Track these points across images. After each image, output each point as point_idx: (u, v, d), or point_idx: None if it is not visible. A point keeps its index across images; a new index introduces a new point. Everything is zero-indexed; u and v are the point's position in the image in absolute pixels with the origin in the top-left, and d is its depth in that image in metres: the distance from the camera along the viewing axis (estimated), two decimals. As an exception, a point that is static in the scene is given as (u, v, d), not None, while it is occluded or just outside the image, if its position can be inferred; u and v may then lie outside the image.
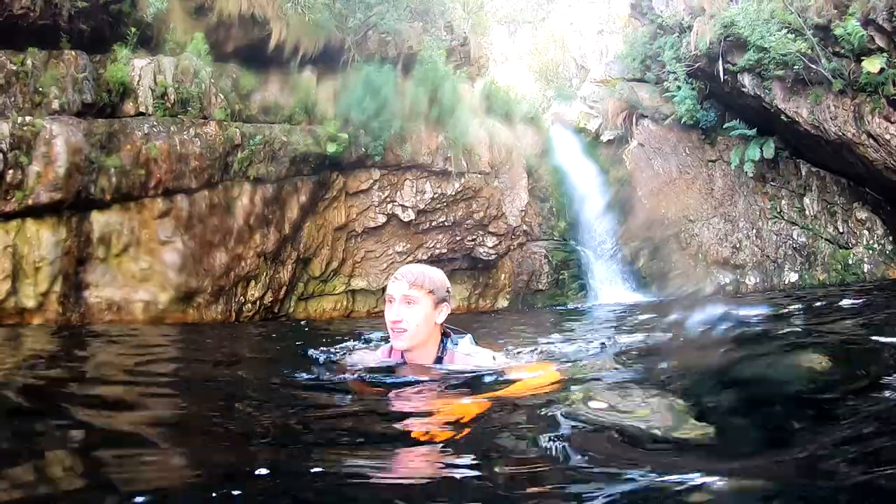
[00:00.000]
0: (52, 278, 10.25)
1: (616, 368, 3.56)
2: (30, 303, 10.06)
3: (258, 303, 12.76)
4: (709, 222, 16.75)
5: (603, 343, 4.51)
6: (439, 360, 3.38)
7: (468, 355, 3.41)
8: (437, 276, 3.41)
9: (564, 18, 26.03)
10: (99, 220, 10.86)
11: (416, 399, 2.93)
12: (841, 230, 15.01)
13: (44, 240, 10.23)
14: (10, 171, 9.81)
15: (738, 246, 16.29)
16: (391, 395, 3.03)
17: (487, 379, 3.13)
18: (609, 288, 16.91)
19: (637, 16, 18.31)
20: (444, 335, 3.47)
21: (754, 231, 16.15)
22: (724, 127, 16.34)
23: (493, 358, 3.44)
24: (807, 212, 15.55)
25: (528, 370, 3.28)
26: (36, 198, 10.01)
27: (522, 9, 28.75)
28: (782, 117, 14.18)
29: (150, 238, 11.34)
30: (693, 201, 17.06)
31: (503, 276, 16.21)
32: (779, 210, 15.91)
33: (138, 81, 11.39)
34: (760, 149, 15.38)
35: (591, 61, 23.02)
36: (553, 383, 2.92)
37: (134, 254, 11.21)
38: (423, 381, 3.14)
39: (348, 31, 13.79)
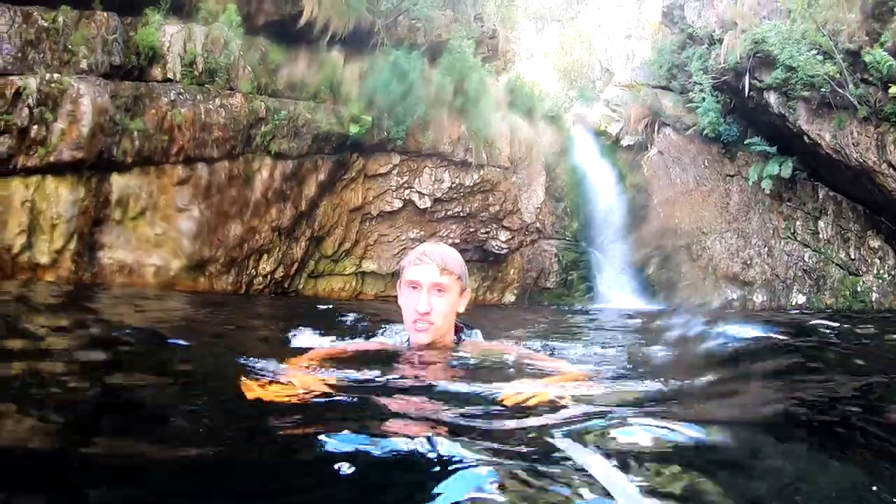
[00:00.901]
0: (68, 236, 10.33)
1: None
2: (43, 259, 10.14)
3: (269, 277, 12.85)
4: (721, 236, 16.76)
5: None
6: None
7: (486, 349, 2.98)
8: (460, 258, 2.93)
9: (593, 20, 25.94)
10: (118, 183, 10.93)
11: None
12: (853, 257, 15.01)
13: (62, 197, 10.29)
14: (35, 127, 9.85)
15: (748, 262, 16.31)
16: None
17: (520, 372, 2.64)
18: (616, 293, 16.96)
19: (668, 24, 18.25)
20: (456, 328, 3.01)
21: (766, 249, 16.16)
22: (745, 142, 16.31)
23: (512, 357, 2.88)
24: (820, 235, 15.55)
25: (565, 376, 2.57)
26: (58, 155, 10.06)
27: (552, 6, 28.66)
28: (804, 139, 14.16)
29: (168, 204, 11.42)
30: (708, 214, 17.07)
31: (512, 271, 16.29)
32: (792, 231, 15.91)
33: (168, 47, 11.43)
34: (779, 167, 15.36)
35: (616, 65, 22.96)
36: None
37: (150, 218, 11.28)
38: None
39: (379, 14, 13.78)
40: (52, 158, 10.02)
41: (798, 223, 15.90)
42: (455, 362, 2.77)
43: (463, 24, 15.18)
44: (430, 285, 2.73)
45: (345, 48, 13.67)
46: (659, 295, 16.95)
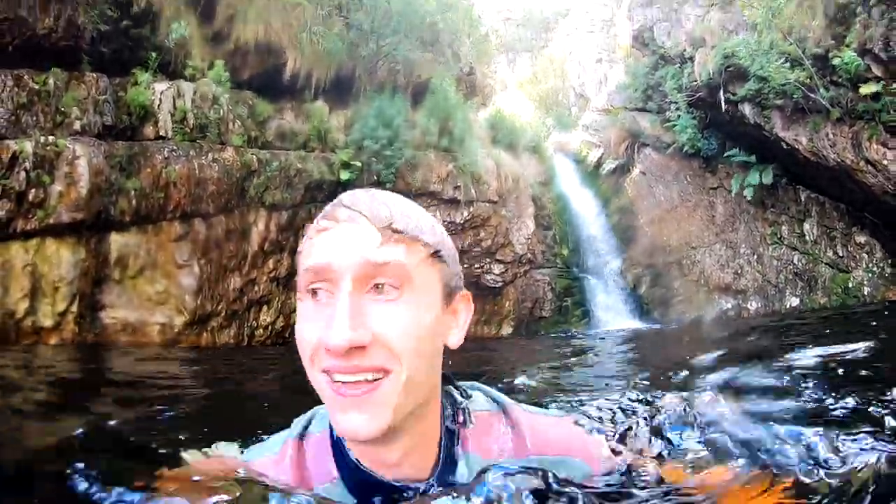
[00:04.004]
0: (70, 298, 10.18)
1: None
2: (47, 322, 9.96)
3: (269, 328, 12.76)
4: (710, 249, 17.06)
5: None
6: (449, 464, 1.29)
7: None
8: (425, 214, 1.31)
9: (563, 47, 26.57)
10: (117, 242, 10.86)
11: None
12: (841, 254, 15.33)
13: (63, 259, 10.18)
14: (33, 190, 9.78)
15: (739, 272, 16.58)
16: None
17: None
18: (612, 315, 17.06)
19: (639, 46, 18.80)
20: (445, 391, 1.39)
21: (755, 257, 16.46)
22: (724, 155, 16.76)
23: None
24: (807, 237, 15.90)
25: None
26: (58, 217, 9.98)
27: (521, 38, 29.45)
28: (782, 145, 14.59)
29: (167, 261, 11.35)
30: (695, 228, 17.39)
31: (508, 303, 16.33)
32: (779, 236, 16.25)
33: (158, 105, 11.50)
34: (760, 175, 15.78)
35: (590, 90, 23.47)
36: None
37: (150, 276, 11.19)
38: None
39: (360, 59, 14.05)
40: (51, 220, 9.92)
41: (784, 228, 16.25)
42: None
43: (442, 64, 15.51)
44: (358, 274, 1.13)
45: (329, 96, 13.90)
46: (654, 312, 17.10)
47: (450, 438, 1.31)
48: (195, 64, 12.06)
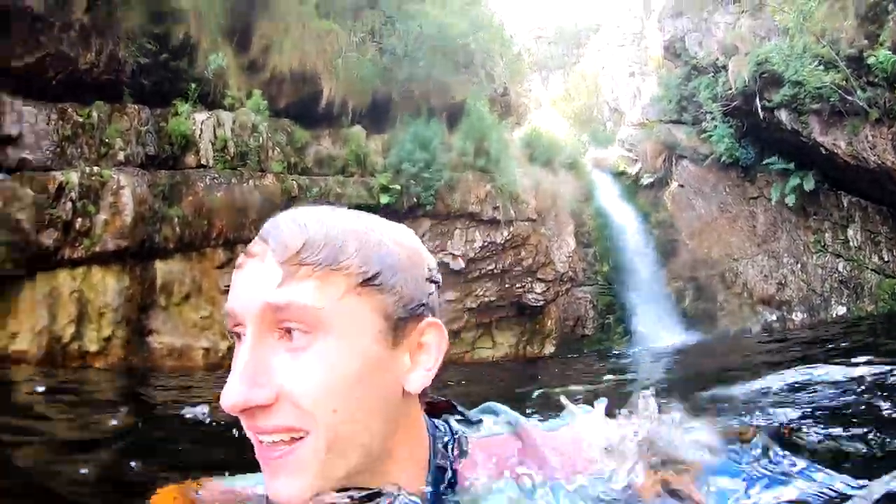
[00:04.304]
0: (116, 324, 10.41)
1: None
2: (92, 347, 10.19)
3: (309, 351, 12.85)
4: (753, 260, 16.79)
5: None
6: None
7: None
8: (373, 235, 1.04)
9: (595, 62, 26.58)
10: (162, 269, 11.12)
11: None
12: (886, 259, 14.96)
13: (109, 286, 10.44)
14: (79, 220, 10.07)
15: (783, 282, 16.27)
16: None
17: None
18: (655, 330, 16.83)
19: (671, 58, 18.75)
20: (436, 431, 1.14)
21: (799, 266, 16.15)
22: (763, 163, 16.54)
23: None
24: (851, 243, 15.54)
25: None
26: (103, 245, 10.25)
27: (553, 55, 29.67)
28: (821, 150, 14.35)
29: (211, 287, 11.56)
30: (736, 239, 17.16)
31: (550, 322, 16.23)
32: (823, 243, 15.93)
33: (199, 135, 11.80)
34: (801, 182, 15.52)
35: (624, 104, 23.43)
36: None
37: (195, 302, 11.42)
38: None
39: (394, 83, 14.26)
40: (97, 249, 10.19)
41: (827, 235, 15.93)
42: None
43: (476, 84, 15.66)
44: (259, 320, 0.97)
45: (366, 121, 14.11)
46: (697, 327, 16.83)
47: (440, 478, 1.10)
48: (233, 94, 12.37)
